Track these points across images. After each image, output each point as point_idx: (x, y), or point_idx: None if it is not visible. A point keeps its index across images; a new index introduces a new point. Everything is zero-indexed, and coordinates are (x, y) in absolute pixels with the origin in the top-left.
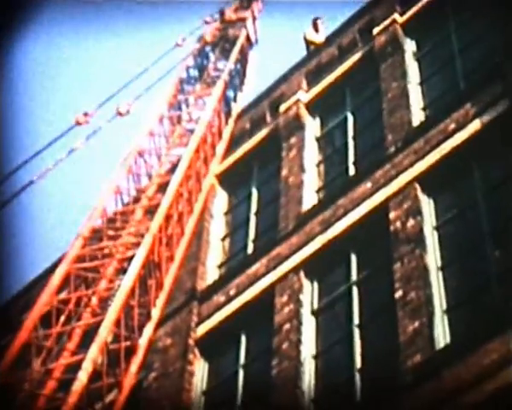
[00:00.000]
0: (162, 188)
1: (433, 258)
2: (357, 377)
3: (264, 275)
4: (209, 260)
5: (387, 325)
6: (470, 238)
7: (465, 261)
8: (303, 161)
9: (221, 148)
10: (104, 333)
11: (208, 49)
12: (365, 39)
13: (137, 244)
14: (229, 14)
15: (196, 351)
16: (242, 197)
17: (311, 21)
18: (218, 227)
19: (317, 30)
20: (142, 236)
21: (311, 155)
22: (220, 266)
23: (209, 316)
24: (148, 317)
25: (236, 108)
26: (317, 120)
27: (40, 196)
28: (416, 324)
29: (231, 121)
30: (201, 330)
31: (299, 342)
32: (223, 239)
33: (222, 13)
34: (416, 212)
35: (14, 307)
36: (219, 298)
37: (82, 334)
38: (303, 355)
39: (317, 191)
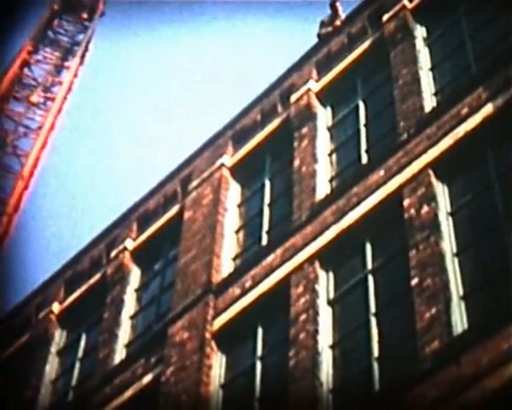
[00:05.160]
0: None
1: (448, 244)
2: (375, 365)
3: (279, 266)
4: (224, 252)
5: (404, 312)
6: (485, 223)
7: (481, 246)
8: (315, 151)
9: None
10: None
11: (62, 9)
12: (375, 26)
13: None
14: None
15: (213, 344)
16: (255, 189)
17: (328, 5)
18: (231, 220)
19: (336, 13)
20: None
21: (323, 144)
22: (235, 259)
23: (225, 309)
24: None
25: None
26: (329, 109)
27: None
28: (433, 310)
29: None
30: (218, 323)
31: (315, 332)
32: (237, 231)
33: None
34: (431, 198)
35: (30, 306)
36: (235, 290)
37: None
38: (320, 345)
39: (330, 181)
